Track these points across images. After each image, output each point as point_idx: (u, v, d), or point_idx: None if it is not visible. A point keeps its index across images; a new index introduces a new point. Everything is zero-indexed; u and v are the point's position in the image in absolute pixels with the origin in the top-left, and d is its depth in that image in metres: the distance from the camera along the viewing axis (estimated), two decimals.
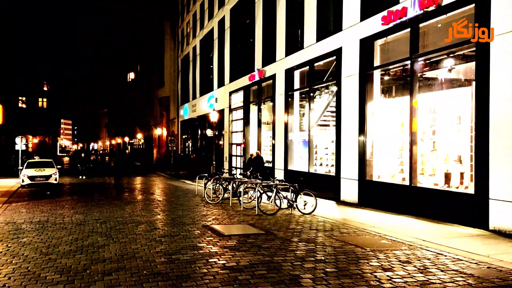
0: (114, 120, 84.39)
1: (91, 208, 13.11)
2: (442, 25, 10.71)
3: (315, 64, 16.23)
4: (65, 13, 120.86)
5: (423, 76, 11.93)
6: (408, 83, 11.82)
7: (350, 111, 13.85)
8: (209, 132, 28.81)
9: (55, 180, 21.31)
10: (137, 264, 6.70)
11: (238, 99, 24.32)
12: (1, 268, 6.58)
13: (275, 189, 12.34)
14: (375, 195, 12.78)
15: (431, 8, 10.45)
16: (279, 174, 18.30)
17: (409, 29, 11.44)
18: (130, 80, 65.09)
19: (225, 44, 26.64)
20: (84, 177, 26.29)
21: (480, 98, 9.38)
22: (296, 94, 18.06)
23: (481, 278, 5.96)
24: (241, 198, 13.27)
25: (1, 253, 7.49)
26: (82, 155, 35.21)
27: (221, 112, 26.64)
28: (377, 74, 13.12)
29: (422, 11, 10.70)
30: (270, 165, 19.71)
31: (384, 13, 11.94)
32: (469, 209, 9.58)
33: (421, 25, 11.14)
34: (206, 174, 16.86)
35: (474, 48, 9.60)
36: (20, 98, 60.76)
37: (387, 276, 6.07)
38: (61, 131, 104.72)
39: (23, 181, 20.69)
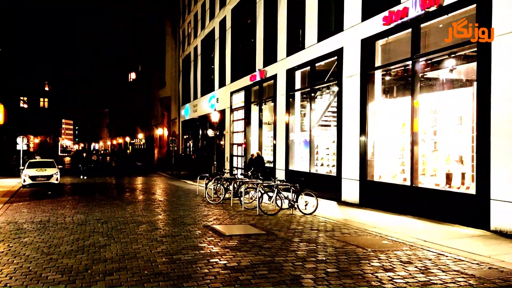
0: (115, 120, 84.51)
1: (92, 208, 13.13)
2: (444, 26, 10.70)
3: (316, 64, 16.22)
4: (65, 13, 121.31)
5: (424, 76, 11.92)
6: (409, 83, 11.82)
7: (351, 111, 13.85)
8: (210, 132, 28.82)
9: (57, 180, 21.36)
10: (138, 264, 6.71)
11: (239, 99, 24.32)
12: (3, 268, 6.59)
13: (276, 189, 12.34)
14: (376, 195, 12.77)
15: (433, 8, 10.44)
16: (280, 174, 18.29)
17: (410, 30, 11.43)
18: (131, 80, 65.16)
19: (226, 44, 26.65)
20: (85, 177, 26.31)
21: (481, 99, 9.38)
22: (297, 94, 18.06)
23: (483, 279, 5.96)
24: (242, 198, 13.27)
25: (2, 253, 7.50)
26: (84, 155, 35.27)
27: (222, 112, 26.64)
28: (378, 74, 13.12)
29: (423, 11, 10.69)
30: (271, 165, 19.70)
31: (386, 13, 11.94)
32: (471, 209, 9.57)
33: (422, 25, 11.13)
34: (207, 174, 16.88)
35: (475, 49, 9.60)
36: (21, 98, 60.91)
37: (388, 276, 6.08)
38: (62, 131, 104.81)
39: (24, 181, 20.75)
